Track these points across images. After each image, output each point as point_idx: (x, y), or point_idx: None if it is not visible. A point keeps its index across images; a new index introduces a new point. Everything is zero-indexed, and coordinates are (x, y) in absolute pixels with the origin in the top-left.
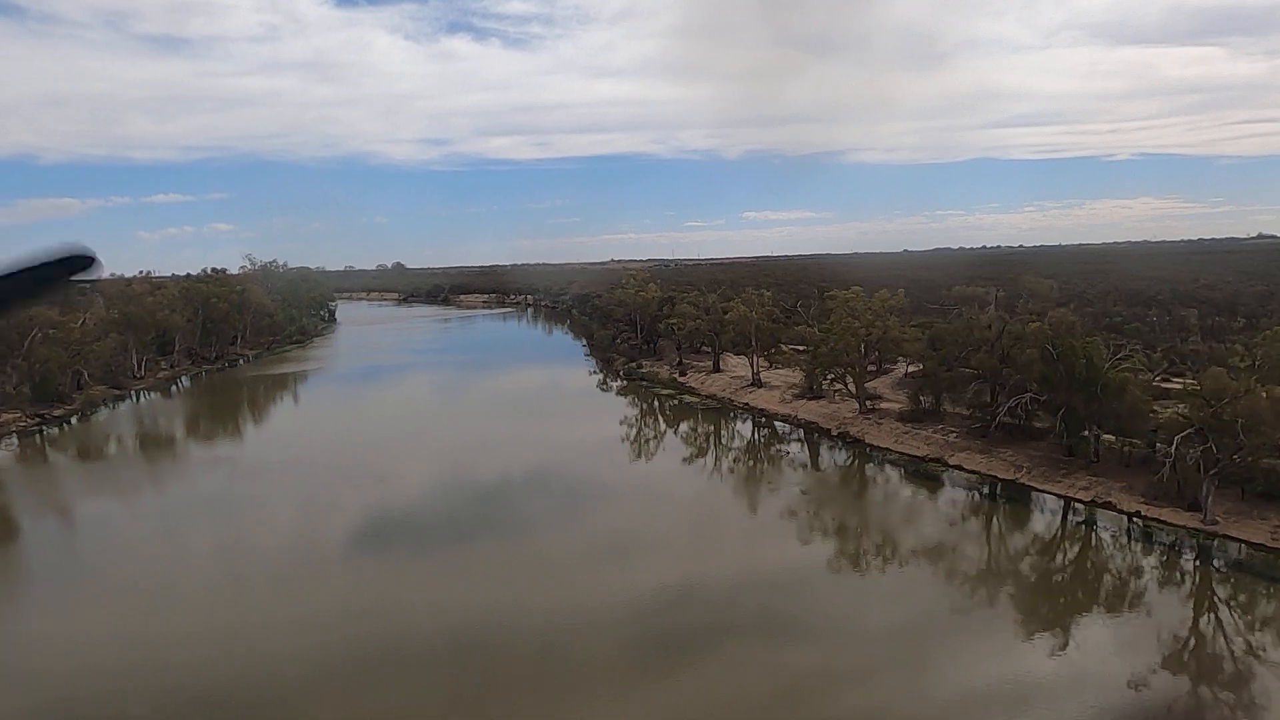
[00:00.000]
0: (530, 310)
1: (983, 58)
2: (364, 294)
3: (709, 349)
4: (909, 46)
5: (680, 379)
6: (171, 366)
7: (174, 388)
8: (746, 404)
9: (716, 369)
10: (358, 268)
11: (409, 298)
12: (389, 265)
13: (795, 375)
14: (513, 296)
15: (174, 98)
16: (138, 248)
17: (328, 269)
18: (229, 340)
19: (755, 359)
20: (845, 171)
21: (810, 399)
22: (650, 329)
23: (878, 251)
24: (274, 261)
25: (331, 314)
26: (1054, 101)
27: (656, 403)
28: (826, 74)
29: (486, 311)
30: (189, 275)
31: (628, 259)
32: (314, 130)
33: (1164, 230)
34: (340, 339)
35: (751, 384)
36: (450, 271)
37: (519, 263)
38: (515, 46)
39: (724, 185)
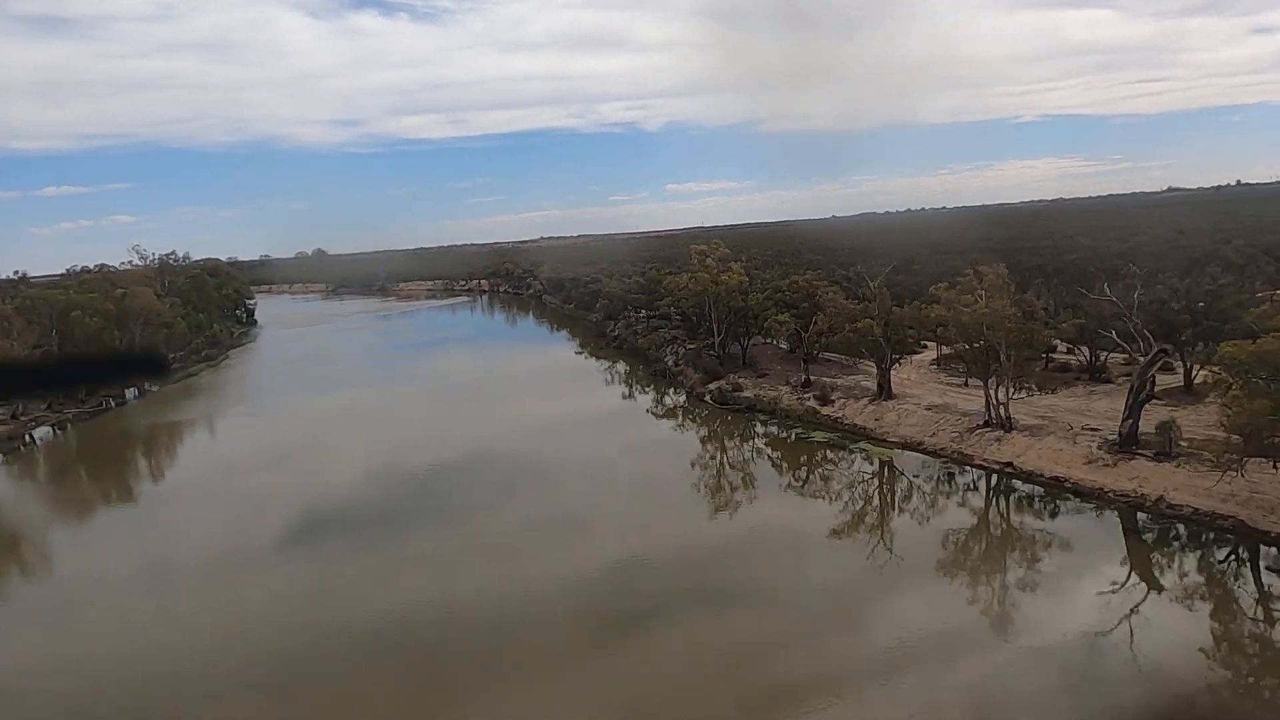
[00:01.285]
0: (484, 298)
1: (895, 25)
2: (285, 286)
3: (823, 356)
4: (823, 16)
5: (821, 409)
6: (15, 416)
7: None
8: (1013, 466)
9: (885, 394)
10: (275, 256)
11: (338, 289)
12: (309, 252)
13: (1038, 403)
14: (461, 283)
15: (63, 82)
16: (29, 245)
17: (242, 259)
18: (110, 367)
19: (1003, 382)
20: (763, 141)
21: (1152, 457)
22: (737, 328)
23: (805, 219)
24: (172, 254)
25: (250, 314)
26: (964, 66)
27: (846, 465)
28: (743, 44)
29: (434, 303)
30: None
31: (555, 235)
32: (218, 114)
33: (1066, 189)
34: (264, 352)
35: (989, 424)
36: (377, 256)
37: (447, 244)
38: (425, 21)
39: (646, 158)
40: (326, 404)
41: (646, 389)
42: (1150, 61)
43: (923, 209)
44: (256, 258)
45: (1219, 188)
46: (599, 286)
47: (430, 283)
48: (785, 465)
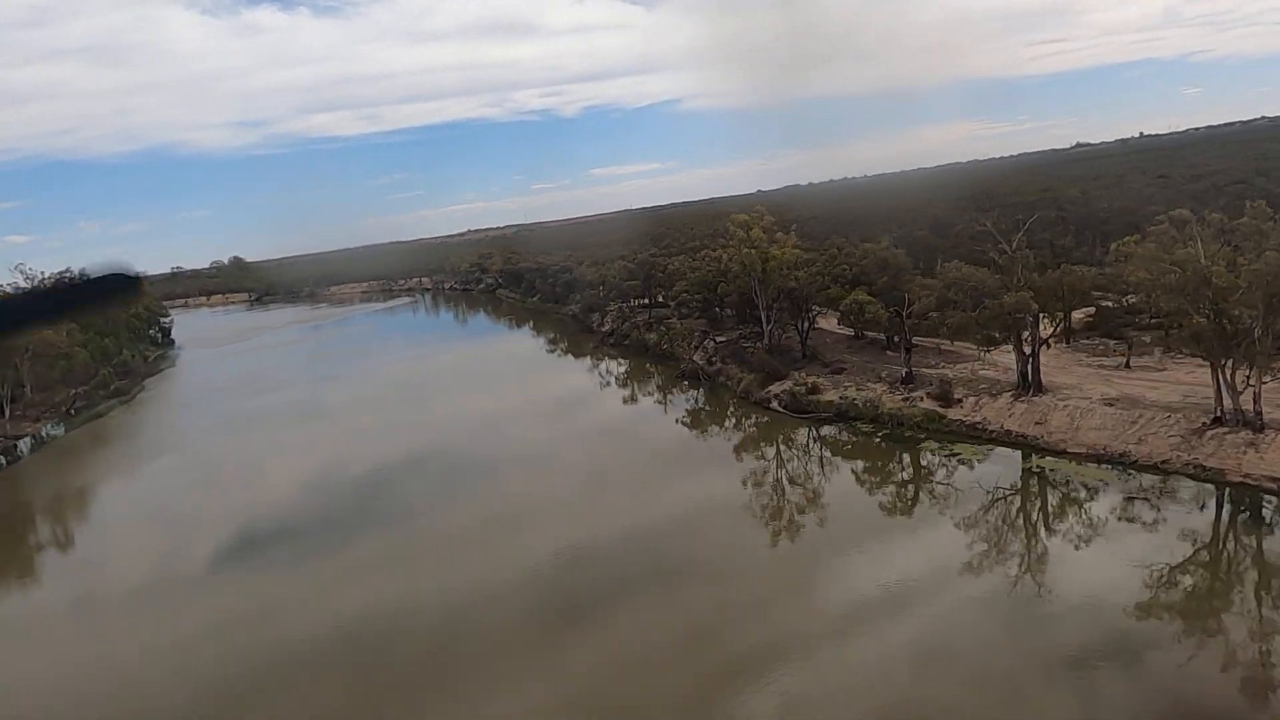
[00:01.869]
0: (428, 296)
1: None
2: (204, 299)
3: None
4: None
5: (945, 412)
6: None
7: None
8: None
9: (1033, 387)
10: (188, 268)
11: (262, 297)
12: (225, 262)
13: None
14: (401, 282)
15: None
16: None
17: (151, 274)
18: None
19: (1250, 364)
20: (683, 120)
21: None
22: (790, 313)
23: (731, 195)
24: (66, 273)
25: (166, 334)
26: (873, 39)
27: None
28: (655, 23)
29: (372, 306)
30: None
31: (481, 227)
32: (110, 122)
33: (977, 150)
34: (185, 379)
35: (1221, 421)
36: (300, 260)
37: (370, 243)
38: (327, 15)
39: (567, 144)
40: (265, 449)
41: (685, 399)
42: (1051, 24)
43: (845, 178)
44: (167, 270)
45: (1124, 140)
46: (571, 276)
47: (364, 284)
48: (1018, 513)
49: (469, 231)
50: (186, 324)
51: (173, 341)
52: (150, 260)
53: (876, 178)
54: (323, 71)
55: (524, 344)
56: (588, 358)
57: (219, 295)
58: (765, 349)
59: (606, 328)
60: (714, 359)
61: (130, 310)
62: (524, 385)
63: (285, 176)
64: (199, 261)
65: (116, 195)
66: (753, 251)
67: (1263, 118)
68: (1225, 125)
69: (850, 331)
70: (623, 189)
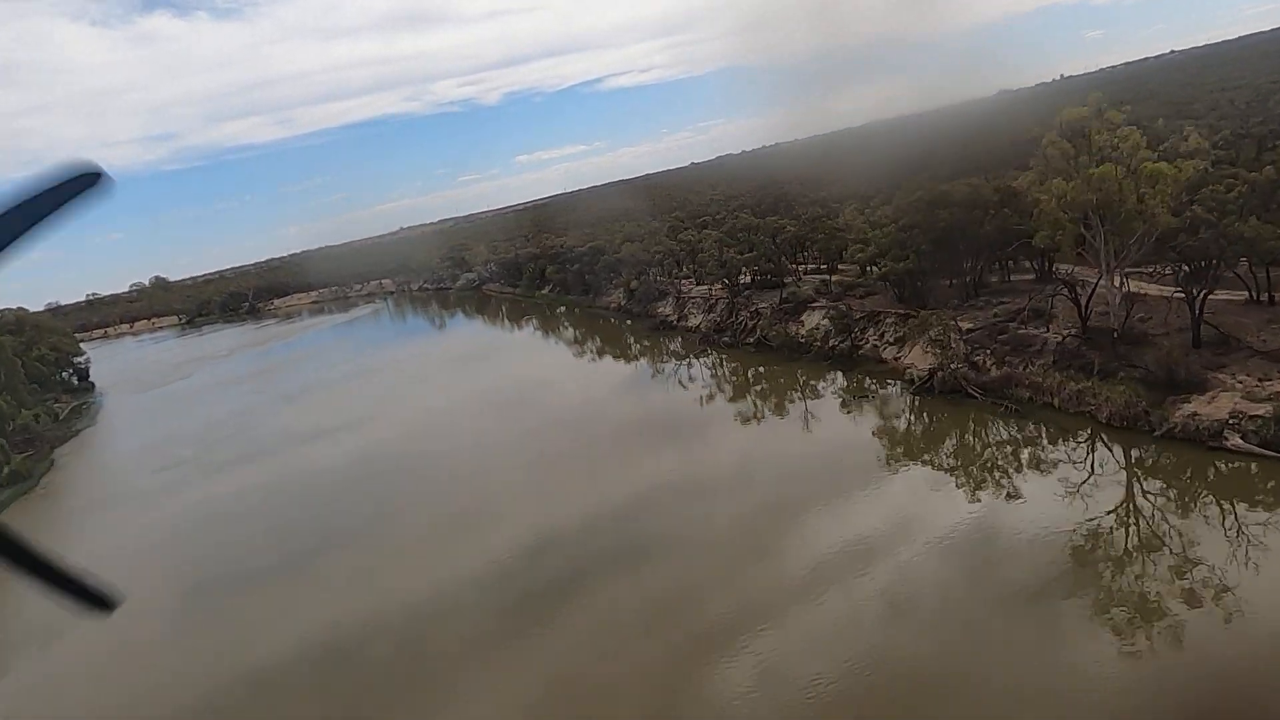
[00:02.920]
0: (391, 302)
1: None
2: (126, 327)
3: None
4: None
5: None
6: None
7: None
8: None
9: None
10: (104, 294)
11: (194, 319)
12: (146, 283)
13: None
14: (357, 287)
15: None
16: None
17: (64, 302)
18: None
19: None
20: (605, 99)
21: None
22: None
23: (664, 169)
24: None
25: (83, 376)
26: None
27: None
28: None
29: (326, 319)
30: None
31: (415, 224)
32: (5, 146)
33: (895, 109)
34: (113, 448)
35: None
36: (229, 274)
37: (299, 250)
38: (227, 18)
39: (490, 133)
40: (254, 614)
41: (1058, 452)
42: None
43: (779, 143)
44: (83, 299)
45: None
46: (610, 258)
47: (314, 294)
48: None
49: (401, 229)
50: (109, 359)
51: (91, 385)
52: (65, 290)
53: (821, 139)
54: (230, 77)
55: (573, 356)
56: (714, 373)
57: (144, 320)
58: (1074, 336)
59: (696, 321)
60: (981, 357)
61: (32, 352)
62: (662, 446)
63: (201, 189)
64: (118, 286)
65: None
66: (1109, 170)
67: (1172, 52)
68: (1138, 61)
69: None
70: (551, 173)
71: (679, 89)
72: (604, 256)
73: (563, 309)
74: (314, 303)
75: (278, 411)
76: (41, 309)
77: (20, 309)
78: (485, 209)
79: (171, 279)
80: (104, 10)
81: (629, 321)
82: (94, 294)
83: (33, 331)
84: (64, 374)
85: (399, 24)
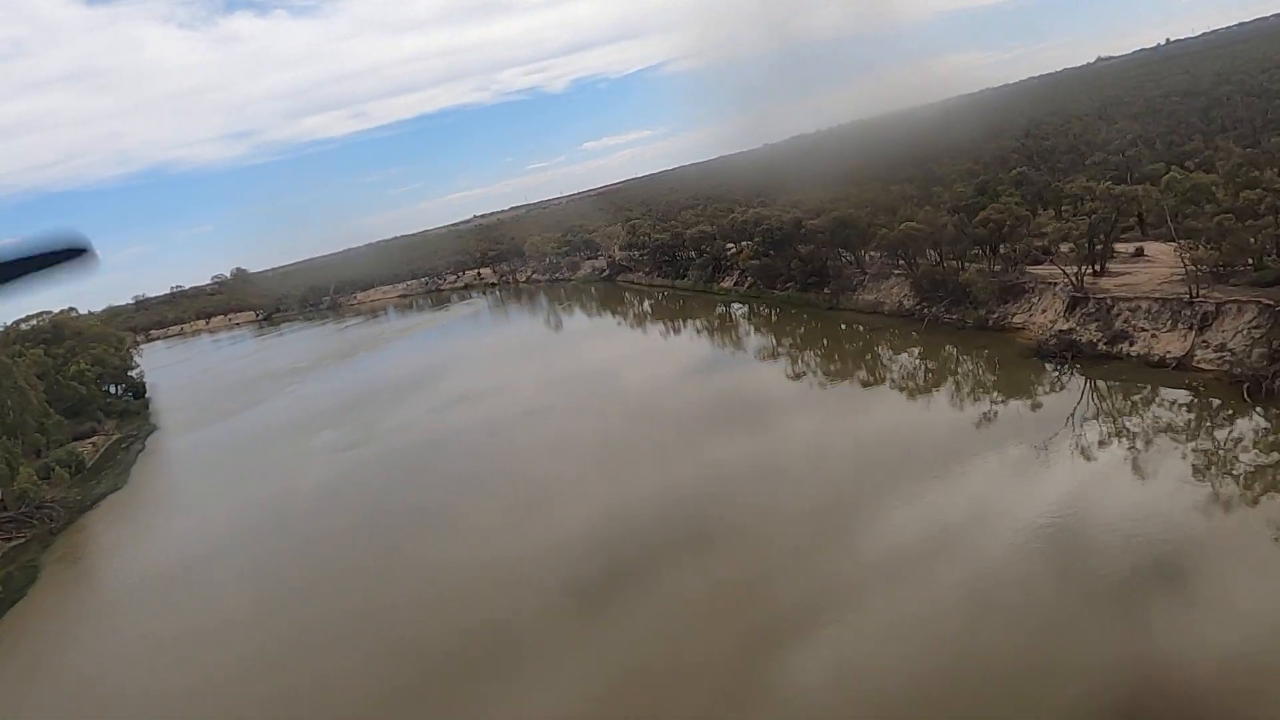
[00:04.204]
0: (491, 294)
1: None
2: (202, 322)
3: None
4: None
5: None
6: None
7: None
8: None
9: None
10: (188, 286)
11: (272, 315)
12: (227, 275)
13: None
14: (451, 278)
15: None
16: None
17: (150, 295)
18: None
19: None
20: (669, 83)
21: None
22: None
23: (734, 153)
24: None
25: (138, 392)
26: None
27: None
28: None
29: (425, 318)
30: None
31: (487, 211)
32: (101, 148)
33: (971, 83)
34: (146, 528)
35: None
36: (309, 266)
37: (375, 240)
38: (304, 15)
39: (557, 120)
40: None
41: None
42: None
43: (842, 124)
44: (166, 291)
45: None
46: (888, 233)
47: (400, 286)
48: None
49: (474, 218)
50: (177, 364)
51: (146, 404)
52: (153, 283)
53: (887, 118)
54: (308, 74)
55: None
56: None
57: (220, 316)
58: None
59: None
60: None
61: (70, 368)
62: None
63: (281, 183)
64: (204, 279)
65: (115, 220)
66: None
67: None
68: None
69: None
70: (616, 160)
71: (741, 71)
72: (853, 232)
73: (770, 309)
74: (401, 297)
75: (400, 504)
76: (129, 302)
77: (67, 311)
78: (555, 195)
79: (252, 270)
80: (190, 13)
81: (941, 335)
82: (177, 286)
83: (74, 340)
84: (114, 391)
85: (466, 14)
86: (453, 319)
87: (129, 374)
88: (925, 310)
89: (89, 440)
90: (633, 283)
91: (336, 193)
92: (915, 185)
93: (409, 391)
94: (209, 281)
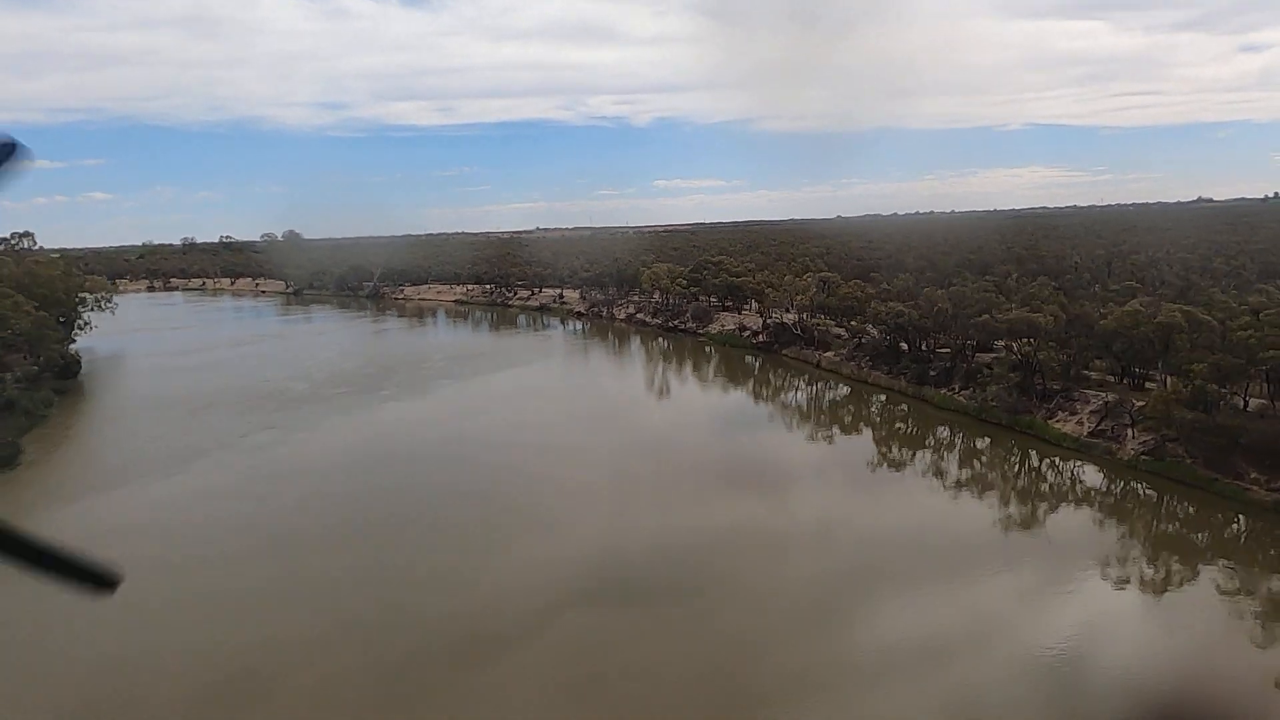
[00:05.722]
0: (582, 325)
1: (890, 25)
2: (226, 282)
3: None
4: (820, 13)
5: None
6: None
7: None
8: None
9: None
10: (238, 238)
11: (304, 290)
12: (279, 235)
13: None
14: (524, 295)
15: (38, 53)
16: None
17: (200, 240)
18: None
19: None
20: (753, 139)
21: None
22: None
23: (799, 218)
24: None
25: (66, 369)
26: (952, 73)
27: None
28: (737, 40)
29: (484, 340)
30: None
31: (549, 226)
32: (197, 92)
33: (1049, 197)
34: None
35: None
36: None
37: (437, 232)
38: (414, 5)
39: (635, 153)
40: None
41: None
42: (1139, 75)
43: (914, 213)
44: (216, 238)
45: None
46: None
47: (459, 289)
48: None
49: (537, 229)
50: (167, 333)
51: (51, 401)
52: (213, 228)
53: (951, 215)
54: (405, 60)
55: None
56: None
57: (246, 280)
58: None
59: None
60: None
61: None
62: None
63: (359, 159)
64: (254, 234)
65: (196, 163)
66: None
67: None
68: None
69: None
70: (684, 202)
71: (832, 140)
72: None
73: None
74: (458, 301)
75: None
76: (180, 242)
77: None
78: (618, 224)
79: (307, 237)
80: None
81: None
82: (228, 236)
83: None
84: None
85: (567, 35)
86: (527, 356)
87: (55, 344)
88: None
89: None
90: (817, 365)
91: (408, 179)
92: None
93: (466, 546)
94: (259, 238)
